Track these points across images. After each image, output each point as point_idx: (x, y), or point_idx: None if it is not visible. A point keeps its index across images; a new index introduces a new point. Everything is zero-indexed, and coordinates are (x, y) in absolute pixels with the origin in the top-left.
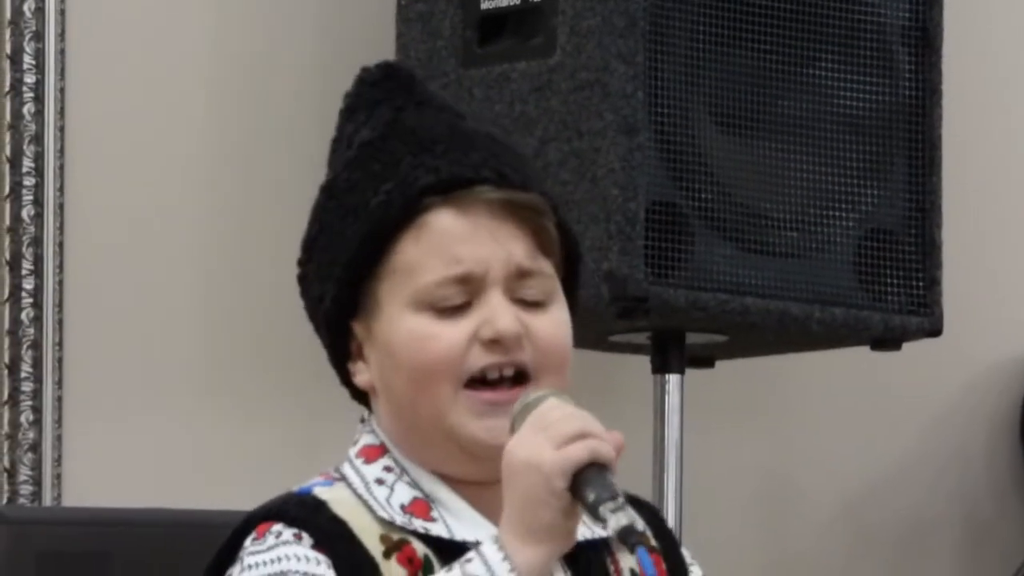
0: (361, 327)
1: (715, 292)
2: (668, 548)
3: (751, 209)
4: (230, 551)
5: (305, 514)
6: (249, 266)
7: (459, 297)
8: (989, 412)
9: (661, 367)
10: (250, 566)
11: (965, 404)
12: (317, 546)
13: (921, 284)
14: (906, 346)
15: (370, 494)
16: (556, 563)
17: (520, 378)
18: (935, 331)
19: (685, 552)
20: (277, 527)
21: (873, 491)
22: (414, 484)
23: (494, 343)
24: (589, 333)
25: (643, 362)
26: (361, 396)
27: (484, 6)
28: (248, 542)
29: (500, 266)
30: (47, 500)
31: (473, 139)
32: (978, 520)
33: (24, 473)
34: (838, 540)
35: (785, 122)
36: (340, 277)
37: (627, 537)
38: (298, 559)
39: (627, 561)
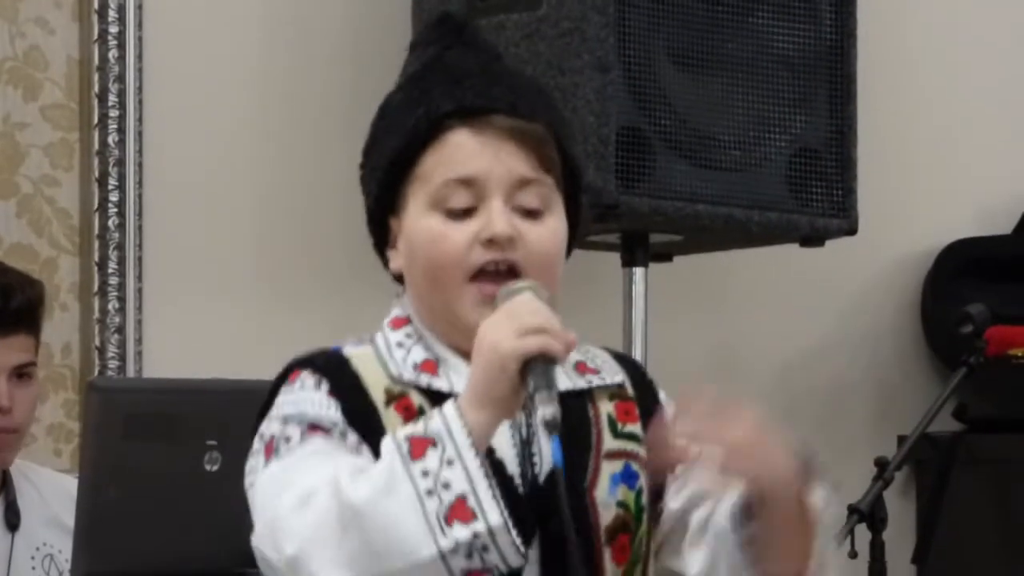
0: (395, 222)
1: (673, 200)
2: (645, 394)
3: (702, 132)
4: (273, 392)
5: (328, 365)
6: (297, 184)
7: (465, 200)
8: (896, 297)
9: (629, 262)
10: (279, 403)
11: (877, 290)
12: (331, 392)
13: (840, 192)
14: (828, 243)
15: (390, 354)
16: None
17: (513, 273)
18: (852, 231)
19: (662, 394)
20: (304, 373)
21: (802, 362)
22: (428, 348)
23: (490, 242)
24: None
25: (614, 258)
26: (398, 277)
27: None
28: (284, 386)
29: (501, 174)
30: (130, 372)
31: (499, 76)
32: (887, 385)
33: (111, 351)
34: (773, 403)
35: (730, 61)
36: (380, 180)
37: (549, 427)
38: (313, 403)
39: (604, 407)
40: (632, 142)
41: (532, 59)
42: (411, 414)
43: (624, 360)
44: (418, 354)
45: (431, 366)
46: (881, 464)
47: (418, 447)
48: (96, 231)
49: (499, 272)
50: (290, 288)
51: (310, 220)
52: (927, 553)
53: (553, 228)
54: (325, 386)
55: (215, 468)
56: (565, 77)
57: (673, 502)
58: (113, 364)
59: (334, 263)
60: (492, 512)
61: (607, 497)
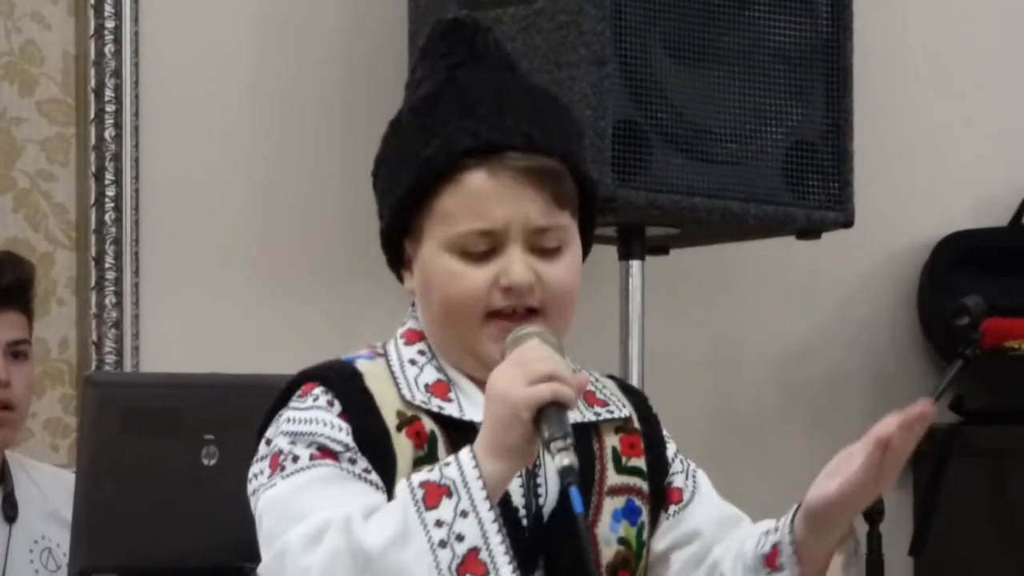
0: (410, 246)
1: (669, 193)
2: (650, 428)
3: (699, 125)
4: (283, 399)
5: (341, 382)
6: (294, 177)
7: (483, 246)
8: (892, 288)
9: (626, 255)
10: (289, 419)
11: (873, 282)
12: (343, 414)
13: (837, 185)
14: (824, 235)
15: (402, 372)
16: None
17: (532, 312)
18: (848, 223)
19: (664, 431)
20: (317, 390)
21: (799, 354)
22: (440, 369)
23: (509, 290)
24: None
25: (611, 251)
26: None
27: None
28: (295, 397)
29: (520, 225)
30: (127, 367)
31: (513, 100)
32: (884, 376)
33: (108, 346)
34: (770, 393)
35: (726, 54)
36: (393, 208)
37: (564, 475)
38: (325, 424)
39: (610, 440)
40: (628, 135)
41: (528, 53)
42: (422, 439)
43: (631, 392)
44: (430, 374)
45: (443, 388)
46: None
47: (433, 495)
48: (93, 226)
49: (516, 313)
50: (287, 282)
51: (307, 214)
52: (924, 545)
53: (569, 264)
54: (337, 407)
55: (213, 462)
56: (561, 71)
57: (659, 543)
58: (110, 359)
59: (331, 257)
60: (504, 569)
61: (608, 533)
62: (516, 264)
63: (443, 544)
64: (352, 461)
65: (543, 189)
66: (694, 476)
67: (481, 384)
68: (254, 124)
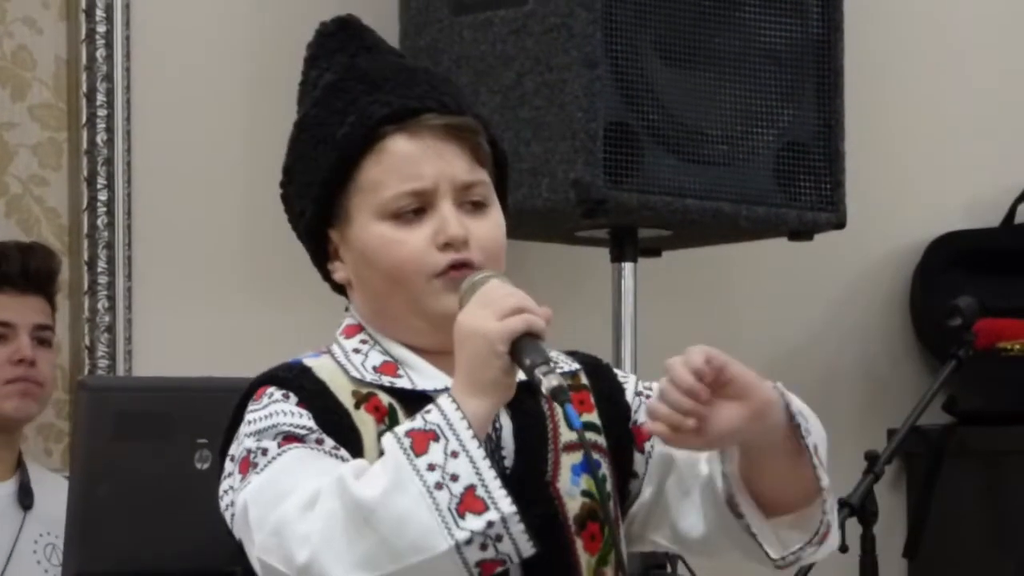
0: (336, 233)
1: (661, 195)
2: (599, 381)
3: (690, 127)
4: (239, 412)
5: (292, 377)
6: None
7: (414, 205)
8: (884, 290)
9: (618, 257)
10: (250, 420)
11: (865, 284)
12: (301, 403)
13: (828, 186)
14: (817, 237)
15: (348, 360)
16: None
17: (471, 268)
18: (840, 224)
19: (620, 373)
20: (271, 389)
21: (791, 356)
22: (384, 352)
23: (447, 245)
24: (558, 230)
25: (603, 253)
26: (340, 288)
27: None
28: (251, 403)
29: (447, 181)
30: (120, 371)
31: (415, 75)
32: (877, 378)
33: (101, 350)
34: None
35: (717, 55)
36: (317, 195)
37: (557, 395)
38: (285, 414)
39: None
40: (620, 137)
41: (519, 55)
42: (382, 413)
43: (575, 353)
44: (375, 358)
45: (390, 368)
46: (871, 458)
47: (420, 441)
48: (85, 230)
49: (461, 267)
50: (280, 286)
51: None
52: (918, 546)
53: (496, 221)
54: (293, 398)
55: (206, 466)
56: (552, 73)
57: (648, 486)
58: (103, 363)
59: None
60: (503, 501)
61: (570, 487)
62: (450, 219)
63: (439, 486)
64: (319, 441)
65: (463, 146)
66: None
67: (429, 356)
68: (246, 128)
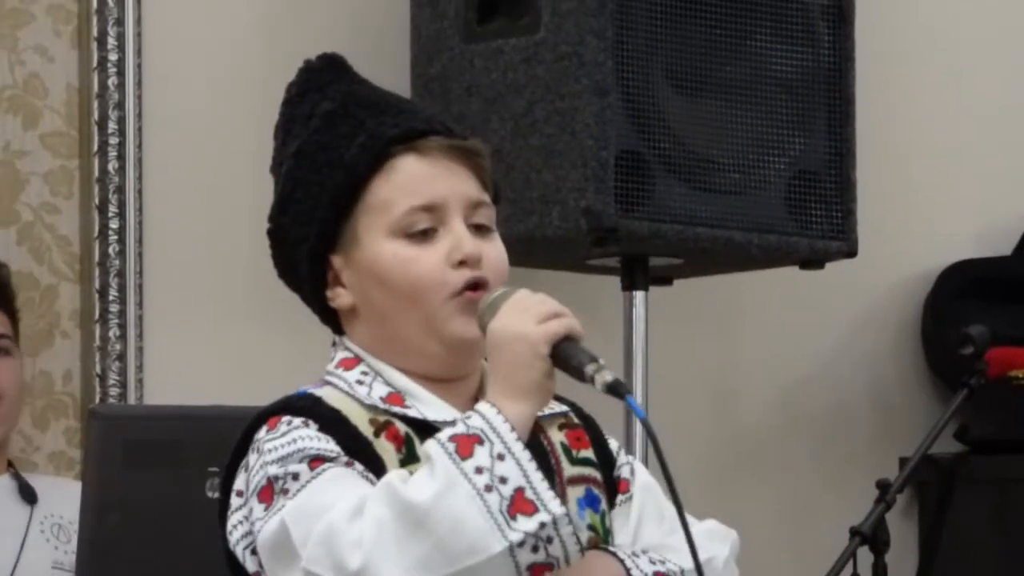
0: (339, 258)
1: (672, 223)
2: (589, 426)
3: (701, 155)
4: (243, 445)
5: (307, 406)
6: None
7: (426, 223)
8: (896, 319)
9: (629, 285)
10: (269, 451)
11: (876, 312)
12: (322, 429)
13: (839, 215)
14: (828, 265)
15: (353, 391)
16: None
17: (483, 287)
18: (851, 253)
19: (612, 442)
20: (287, 417)
21: (803, 385)
22: (388, 383)
23: (462, 263)
24: (569, 258)
25: (614, 281)
26: (330, 321)
27: None
28: (262, 433)
29: (458, 198)
30: (132, 399)
31: (415, 105)
32: (888, 407)
33: (112, 378)
34: (774, 423)
35: (728, 84)
36: (323, 218)
37: (616, 388)
38: (310, 438)
39: (556, 436)
40: (631, 165)
41: (530, 83)
42: (400, 442)
43: (561, 399)
44: (380, 389)
45: (397, 399)
46: (883, 486)
47: (465, 445)
48: (97, 258)
49: (476, 287)
50: (291, 315)
51: None
52: (930, 575)
53: (500, 246)
54: (313, 424)
55: (217, 495)
56: (564, 101)
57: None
58: (114, 391)
59: None
60: (552, 503)
61: (578, 521)
62: (465, 237)
63: (488, 488)
64: (349, 464)
65: (471, 167)
66: (632, 468)
67: (433, 386)
68: (257, 157)
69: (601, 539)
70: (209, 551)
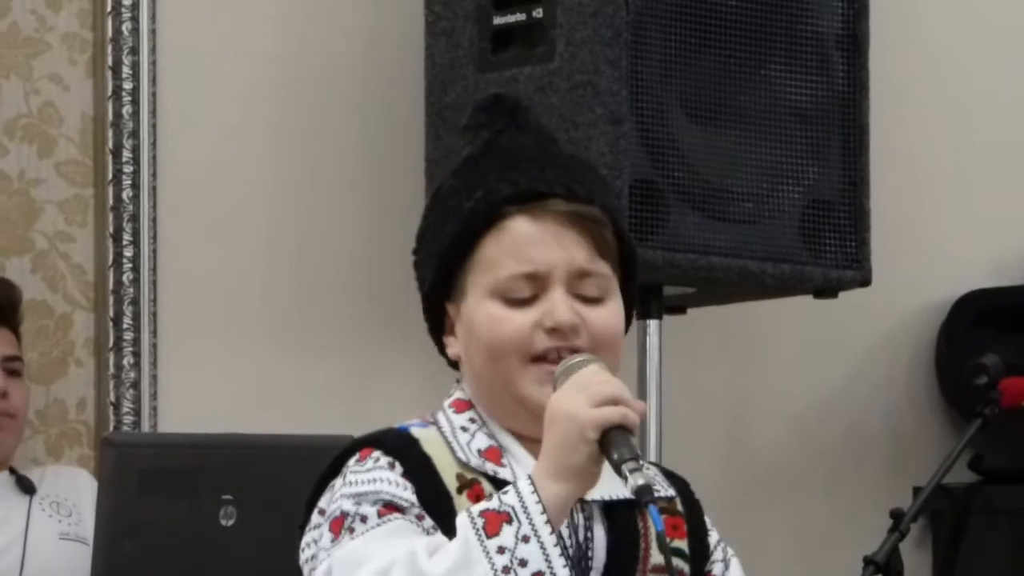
0: (453, 308)
1: (686, 253)
2: (692, 513)
3: (715, 184)
4: (336, 467)
5: (400, 446)
6: (312, 237)
7: (527, 290)
8: (910, 348)
9: (643, 314)
10: (351, 482)
11: (890, 341)
12: (405, 474)
13: (853, 244)
14: (842, 295)
15: (455, 438)
16: (597, 517)
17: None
18: (865, 282)
19: (707, 519)
20: (376, 453)
21: (816, 413)
22: (491, 435)
23: (553, 331)
24: None
25: None
26: (454, 364)
27: (496, 22)
28: (352, 462)
29: (563, 267)
30: (145, 427)
31: (553, 158)
32: (902, 436)
33: (126, 406)
34: (788, 453)
35: (742, 113)
36: (437, 266)
37: (642, 494)
38: (389, 483)
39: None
40: (645, 194)
41: (545, 112)
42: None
43: (673, 477)
44: (482, 440)
45: (495, 454)
46: (897, 516)
47: (493, 523)
48: (111, 286)
49: (561, 357)
50: (304, 342)
51: (325, 274)
52: None
53: (612, 311)
54: (399, 468)
55: (231, 523)
56: (578, 130)
57: None
58: (128, 419)
59: (348, 318)
60: None
61: None
62: (560, 304)
63: (506, 570)
64: (420, 517)
65: (585, 234)
66: (727, 564)
67: (531, 445)
68: (271, 185)
69: None
70: None
